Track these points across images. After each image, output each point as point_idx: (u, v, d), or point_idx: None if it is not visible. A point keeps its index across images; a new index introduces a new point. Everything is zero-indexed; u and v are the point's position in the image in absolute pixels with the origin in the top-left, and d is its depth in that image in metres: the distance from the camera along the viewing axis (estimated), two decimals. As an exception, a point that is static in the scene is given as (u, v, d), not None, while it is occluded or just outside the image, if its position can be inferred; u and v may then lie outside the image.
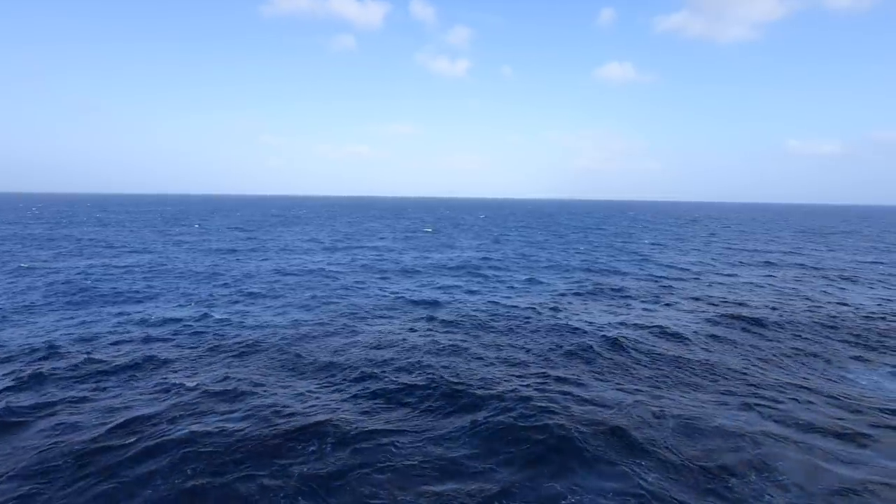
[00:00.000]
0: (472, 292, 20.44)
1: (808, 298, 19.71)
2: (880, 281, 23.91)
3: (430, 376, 10.58)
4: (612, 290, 21.12)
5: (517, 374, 10.98)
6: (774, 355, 12.74)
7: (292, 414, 8.82)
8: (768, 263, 30.45)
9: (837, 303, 18.86)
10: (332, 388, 10.13)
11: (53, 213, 78.27)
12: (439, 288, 21.37)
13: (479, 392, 9.78)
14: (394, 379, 10.53)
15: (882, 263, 30.64)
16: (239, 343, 12.92)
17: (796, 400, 9.82)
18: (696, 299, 19.26)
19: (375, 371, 10.97)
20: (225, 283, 21.32)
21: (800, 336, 14.43)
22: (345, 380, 10.62)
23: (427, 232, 55.05)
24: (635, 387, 10.32)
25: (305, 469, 7.19)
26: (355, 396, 9.75)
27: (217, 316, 15.72)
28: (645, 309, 17.62)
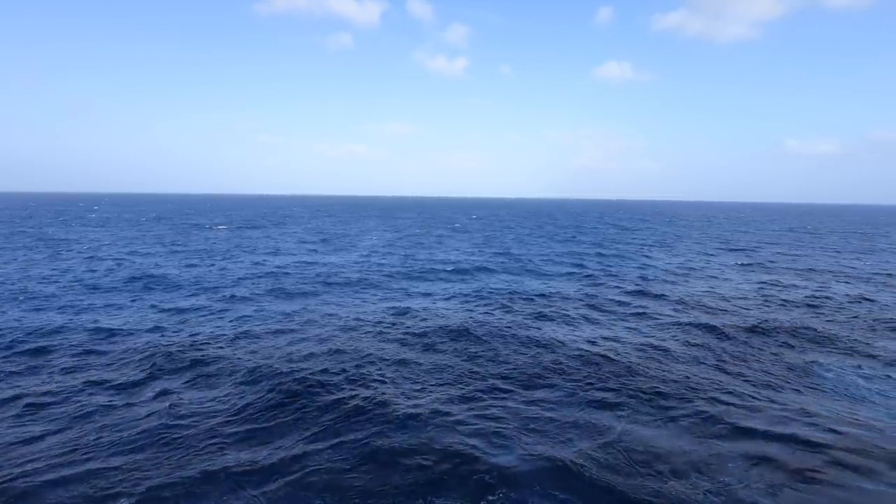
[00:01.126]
0: (448, 297, 20.16)
1: (788, 301, 19.45)
2: (865, 281, 23.65)
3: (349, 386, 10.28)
4: (590, 294, 20.86)
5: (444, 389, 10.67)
6: (745, 359, 12.49)
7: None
8: (757, 265, 30.18)
9: (816, 303, 18.68)
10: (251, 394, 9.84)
11: (50, 212, 77.98)
12: (411, 293, 21.07)
13: (402, 409, 9.39)
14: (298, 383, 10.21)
15: (873, 263, 30.43)
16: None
17: (764, 404, 9.63)
18: (677, 301, 19.03)
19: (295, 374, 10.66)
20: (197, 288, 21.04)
21: (775, 340, 14.19)
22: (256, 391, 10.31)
23: (416, 232, 54.81)
24: (592, 396, 10.03)
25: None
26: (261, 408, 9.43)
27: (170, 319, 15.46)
28: (620, 316, 17.32)
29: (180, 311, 17.00)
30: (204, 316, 16.48)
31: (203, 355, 12.11)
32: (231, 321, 15.81)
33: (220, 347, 12.98)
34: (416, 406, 9.44)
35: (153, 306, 17.57)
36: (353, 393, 9.97)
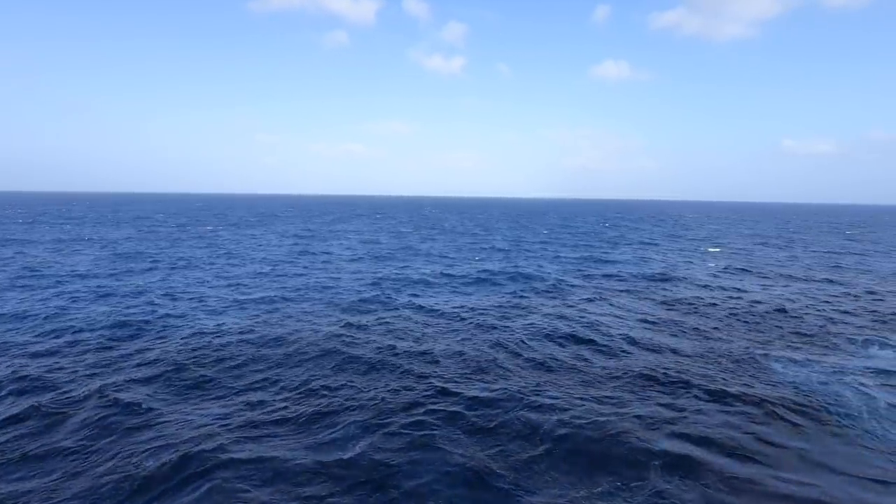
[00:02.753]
0: (415, 295, 20.02)
1: (757, 301, 19.31)
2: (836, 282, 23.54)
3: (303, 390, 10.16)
4: (550, 292, 20.75)
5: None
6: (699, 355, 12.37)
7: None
8: (737, 269, 30.05)
9: (778, 300, 18.57)
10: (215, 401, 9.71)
11: (38, 213, 77.74)
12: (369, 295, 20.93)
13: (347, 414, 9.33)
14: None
15: (863, 262, 30.33)
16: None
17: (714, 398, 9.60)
18: (643, 300, 18.91)
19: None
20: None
21: (730, 334, 14.09)
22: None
23: (403, 232, 54.64)
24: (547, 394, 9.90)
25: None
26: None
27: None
28: (582, 312, 17.20)
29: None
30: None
31: None
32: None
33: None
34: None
35: None
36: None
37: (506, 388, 10.13)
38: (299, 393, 9.99)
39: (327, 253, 33.87)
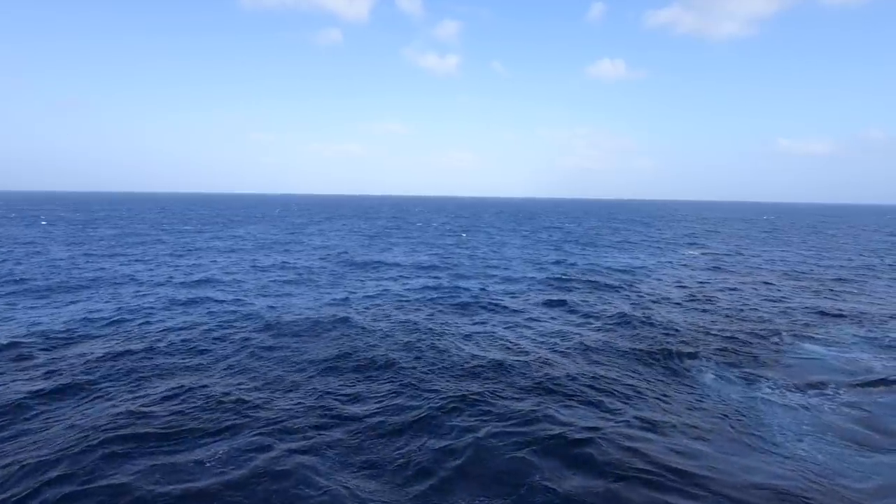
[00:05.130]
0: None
1: (710, 302, 19.24)
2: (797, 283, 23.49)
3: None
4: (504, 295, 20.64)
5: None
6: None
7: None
8: (710, 267, 30.00)
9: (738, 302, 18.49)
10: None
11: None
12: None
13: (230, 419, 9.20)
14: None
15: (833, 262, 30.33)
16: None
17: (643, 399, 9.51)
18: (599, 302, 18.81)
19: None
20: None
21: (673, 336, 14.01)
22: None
23: (382, 232, 54.47)
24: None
25: None
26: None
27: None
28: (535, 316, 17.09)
29: None
30: None
31: None
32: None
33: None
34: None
35: None
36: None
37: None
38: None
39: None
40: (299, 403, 9.62)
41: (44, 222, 57.84)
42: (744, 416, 9.61)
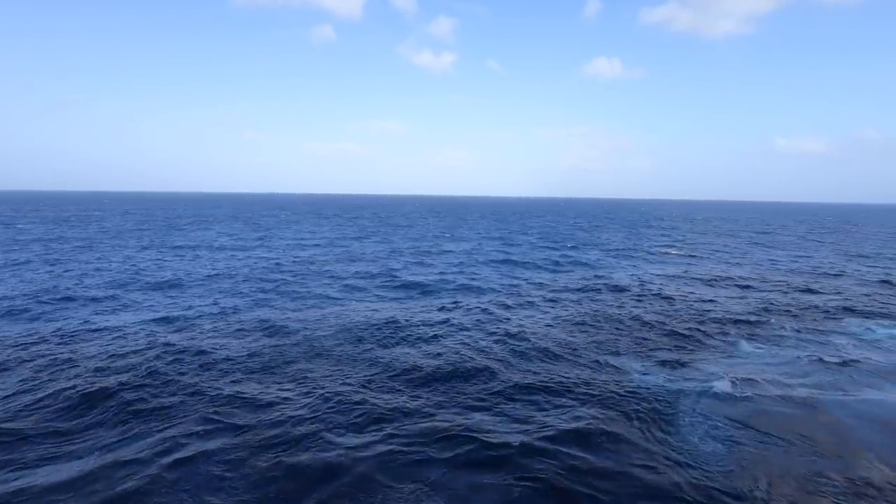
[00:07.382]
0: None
1: (673, 303, 18.87)
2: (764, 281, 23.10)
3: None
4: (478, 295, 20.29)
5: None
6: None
7: None
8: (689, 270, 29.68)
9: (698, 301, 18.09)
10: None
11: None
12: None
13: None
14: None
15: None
16: None
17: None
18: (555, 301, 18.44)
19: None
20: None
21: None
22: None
23: (367, 234, 54.11)
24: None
25: None
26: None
27: None
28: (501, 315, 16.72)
29: None
30: None
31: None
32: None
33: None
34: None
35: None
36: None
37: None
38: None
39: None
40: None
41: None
42: (661, 413, 9.25)
